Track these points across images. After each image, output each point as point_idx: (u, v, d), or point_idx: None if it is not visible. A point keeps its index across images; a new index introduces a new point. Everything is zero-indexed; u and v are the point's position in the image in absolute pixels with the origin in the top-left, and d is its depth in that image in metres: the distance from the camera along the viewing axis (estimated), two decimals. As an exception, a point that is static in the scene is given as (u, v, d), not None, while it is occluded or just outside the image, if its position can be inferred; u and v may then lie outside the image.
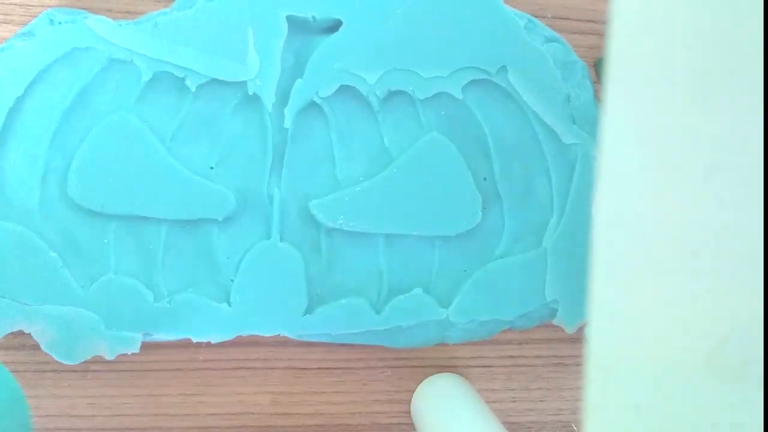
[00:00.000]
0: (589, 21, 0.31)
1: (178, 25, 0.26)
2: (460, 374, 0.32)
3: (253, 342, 0.29)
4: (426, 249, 0.29)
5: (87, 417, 0.29)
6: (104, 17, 0.26)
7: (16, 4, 0.28)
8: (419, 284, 0.28)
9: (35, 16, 0.28)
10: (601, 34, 0.31)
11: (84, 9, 0.27)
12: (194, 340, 0.27)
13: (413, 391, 0.31)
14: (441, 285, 0.29)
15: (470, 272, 0.28)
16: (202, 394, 0.30)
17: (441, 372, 0.31)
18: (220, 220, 0.27)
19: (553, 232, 0.28)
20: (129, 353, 0.27)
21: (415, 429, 0.31)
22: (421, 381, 0.31)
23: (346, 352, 0.31)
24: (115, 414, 0.29)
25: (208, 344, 0.28)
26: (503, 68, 0.27)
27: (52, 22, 0.26)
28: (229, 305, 0.27)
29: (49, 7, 0.28)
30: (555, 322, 0.29)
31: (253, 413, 0.31)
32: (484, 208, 0.28)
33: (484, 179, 0.28)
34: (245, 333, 0.27)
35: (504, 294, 0.28)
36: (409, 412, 0.32)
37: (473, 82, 0.27)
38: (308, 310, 0.27)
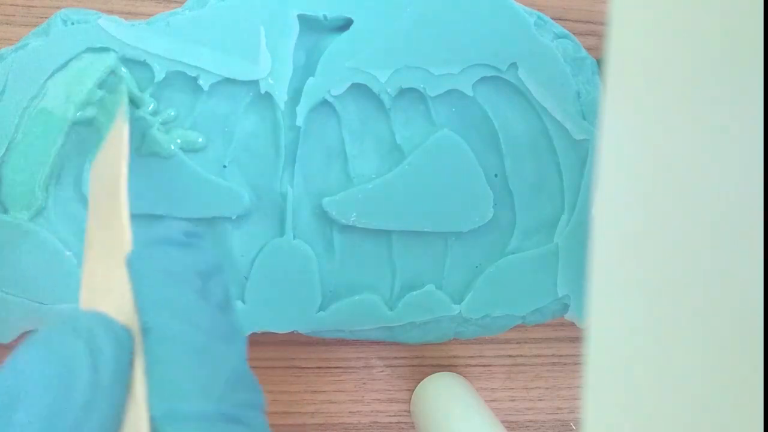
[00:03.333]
0: (587, 22, 0.31)
1: (190, 25, 0.26)
2: (460, 373, 0.32)
3: (253, 341, 0.29)
4: (438, 245, 0.29)
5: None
6: (117, 17, 0.26)
7: (18, 5, 0.28)
8: (432, 280, 0.28)
9: (37, 17, 0.28)
10: (600, 36, 0.31)
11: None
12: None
13: (413, 390, 0.31)
14: (453, 281, 0.29)
15: (482, 268, 0.28)
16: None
17: (440, 371, 0.32)
18: (233, 218, 0.27)
19: (565, 228, 0.28)
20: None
21: (414, 428, 0.31)
22: (420, 380, 0.31)
23: (345, 352, 0.31)
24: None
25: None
26: (513, 65, 0.27)
27: (64, 22, 0.26)
28: (243, 302, 0.27)
29: (51, 8, 0.28)
30: (567, 317, 0.29)
31: (254, 412, 0.31)
32: (495, 204, 0.28)
33: (495, 175, 0.29)
34: (259, 330, 0.27)
35: (516, 289, 0.28)
36: (408, 411, 0.32)
37: (484, 79, 0.28)
38: (322, 307, 0.28)
